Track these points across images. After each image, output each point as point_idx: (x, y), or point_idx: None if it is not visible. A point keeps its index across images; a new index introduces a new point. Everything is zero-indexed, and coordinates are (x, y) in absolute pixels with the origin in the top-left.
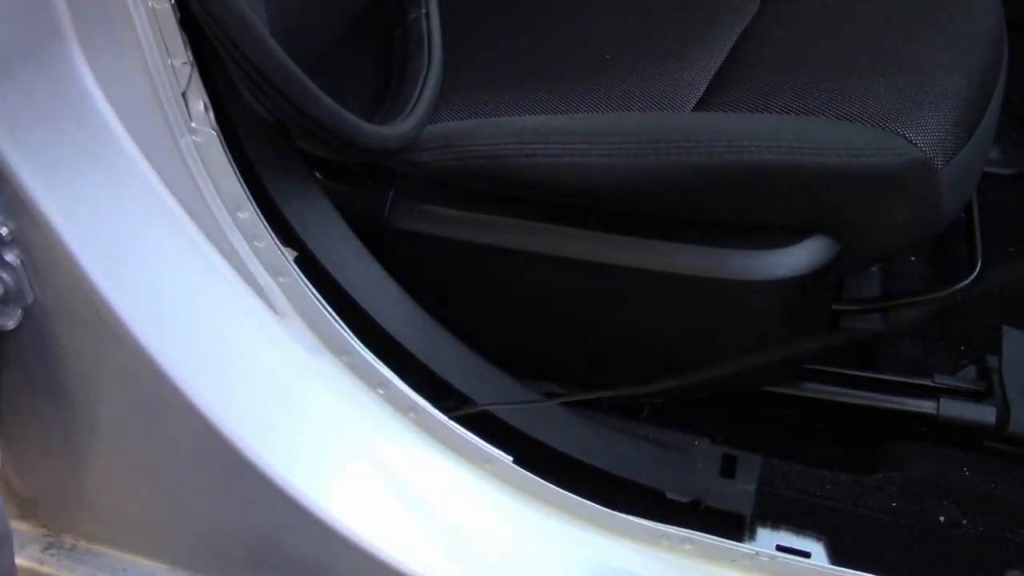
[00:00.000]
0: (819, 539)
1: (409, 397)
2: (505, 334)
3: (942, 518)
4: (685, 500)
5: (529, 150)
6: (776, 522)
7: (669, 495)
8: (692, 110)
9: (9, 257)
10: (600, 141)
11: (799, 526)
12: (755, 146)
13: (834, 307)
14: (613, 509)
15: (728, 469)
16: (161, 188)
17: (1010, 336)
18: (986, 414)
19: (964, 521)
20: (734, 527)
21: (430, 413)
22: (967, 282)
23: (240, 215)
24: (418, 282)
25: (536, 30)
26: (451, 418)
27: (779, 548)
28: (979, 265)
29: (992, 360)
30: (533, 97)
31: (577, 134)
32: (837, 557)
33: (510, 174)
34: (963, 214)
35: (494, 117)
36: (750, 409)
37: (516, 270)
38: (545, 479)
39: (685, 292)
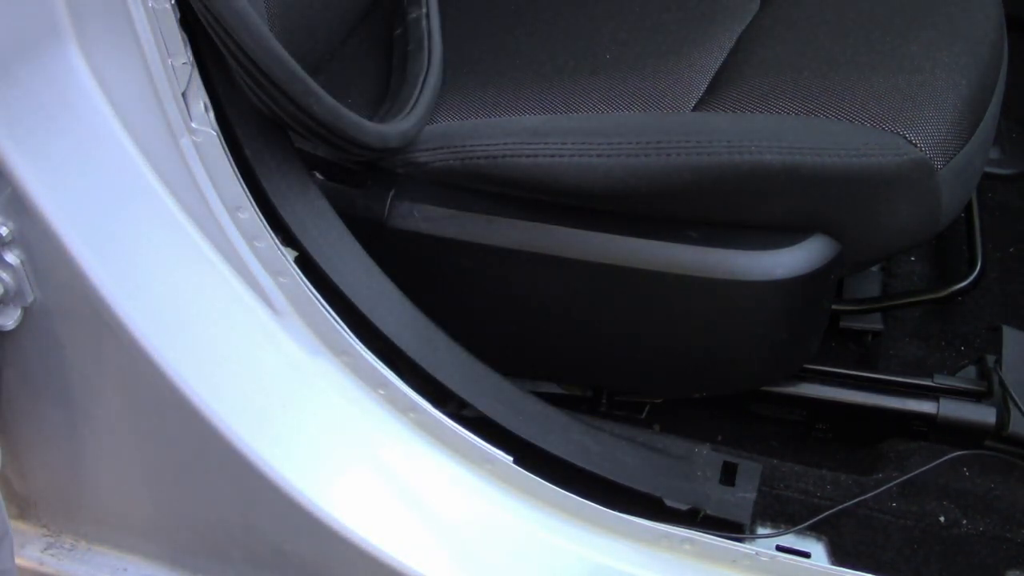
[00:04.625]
0: (819, 539)
1: (409, 397)
2: (505, 334)
3: (942, 518)
4: (684, 508)
5: (529, 150)
6: (776, 522)
7: (668, 503)
8: (692, 110)
9: (9, 257)
10: (600, 141)
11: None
12: (755, 146)
13: (834, 307)
14: None
15: (728, 477)
16: (161, 188)
17: (1010, 336)
18: (986, 414)
19: (964, 521)
20: (734, 528)
21: (430, 413)
22: (967, 282)
23: (240, 215)
24: (418, 282)
25: (536, 30)
26: (452, 419)
27: (779, 548)
28: (979, 265)
29: (991, 360)
30: (533, 97)
31: (577, 134)
32: (837, 557)
33: (510, 174)
34: (963, 214)
35: (494, 117)
36: (750, 410)
37: (516, 270)
38: (545, 481)
39: (685, 292)
